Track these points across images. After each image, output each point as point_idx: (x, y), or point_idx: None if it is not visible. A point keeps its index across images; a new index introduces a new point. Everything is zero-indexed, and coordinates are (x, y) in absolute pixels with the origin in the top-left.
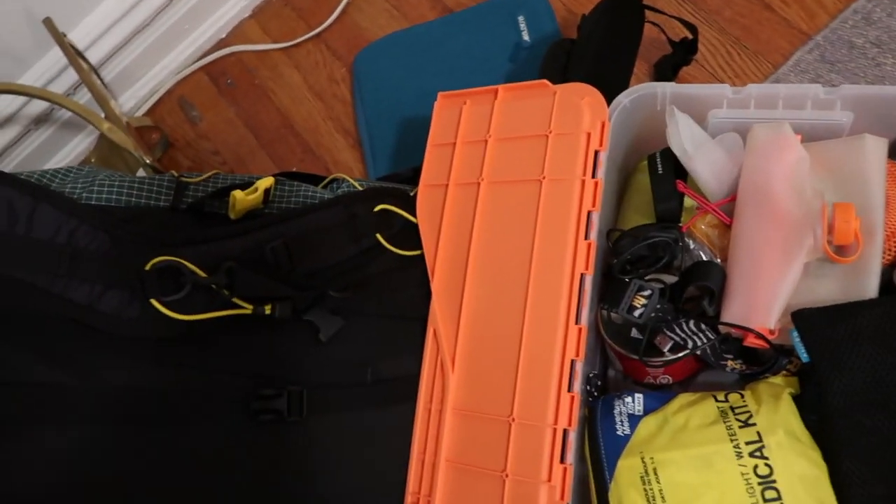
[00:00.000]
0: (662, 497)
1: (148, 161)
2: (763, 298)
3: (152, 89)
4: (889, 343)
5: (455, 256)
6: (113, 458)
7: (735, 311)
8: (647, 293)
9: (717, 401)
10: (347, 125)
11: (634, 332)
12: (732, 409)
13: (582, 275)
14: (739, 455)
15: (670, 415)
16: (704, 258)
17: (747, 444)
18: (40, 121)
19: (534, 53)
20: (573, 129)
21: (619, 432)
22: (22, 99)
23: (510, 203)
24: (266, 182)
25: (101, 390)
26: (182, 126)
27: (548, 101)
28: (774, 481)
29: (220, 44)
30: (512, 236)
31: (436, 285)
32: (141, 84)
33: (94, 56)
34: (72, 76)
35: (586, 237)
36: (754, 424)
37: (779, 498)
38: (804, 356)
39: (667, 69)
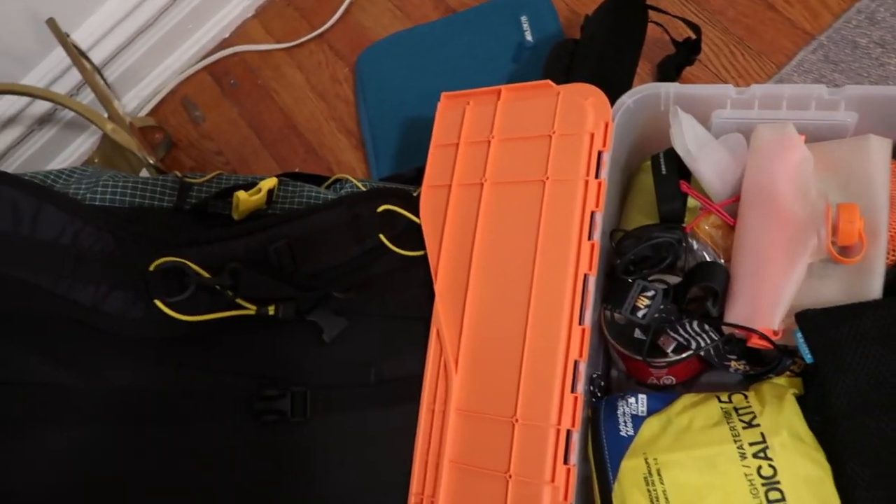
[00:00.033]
0: (666, 498)
1: (151, 161)
2: (767, 299)
3: (155, 89)
4: (893, 344)
5: (458, 257)
6: (116, 458)
7: (739, 312)
8: (650, 294)
9: (720, 402)
10: (350, 125)
11: (638, 333)
12: (736, 409)
13: (585, 275)
14: (743, 456)
15: (674, 416)
16: (708, 259)
17: (751, 444)
18: (43, 121)
19: (537, 53)
20: (577, 129)
21: (622, 433)
22: (25, 99)
23: (513, 203)
24: (269, 183)
25: (105, 391)
26: (185, 126)
27: (551, 101)
28: (778, 482)
29: (224, 44)
30: (515, 237)
31: (439, 286)
32: (144, 84)
33: (97, 56)
34: (75, 76)
35: (590, 238)
36: (758, 425)
37: (783, 499)
38: (808, 357)
39: (670, 69)
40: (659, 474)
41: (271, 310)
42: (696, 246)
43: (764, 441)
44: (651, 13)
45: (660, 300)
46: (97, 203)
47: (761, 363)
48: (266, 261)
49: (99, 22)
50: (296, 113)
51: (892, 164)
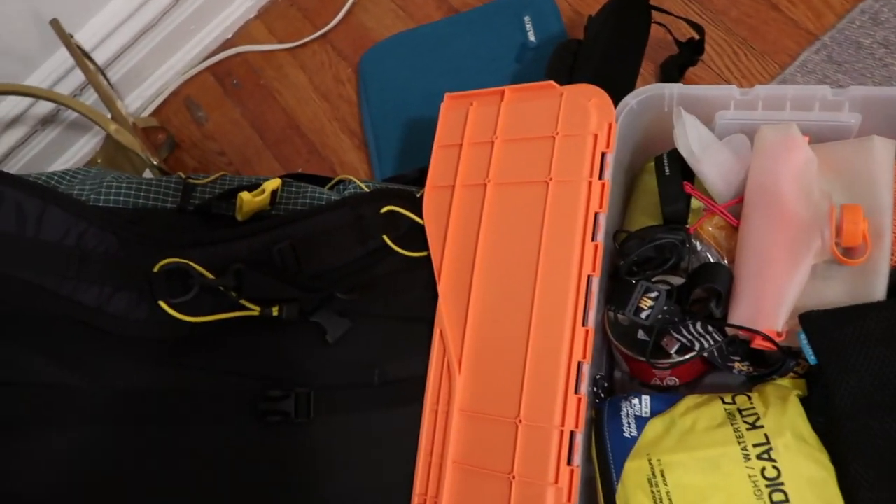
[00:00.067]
0: (670, 499)
1: (154, 162)
2: (770, 300)
3: (158, 90)
4: None
5: (462, 258)
6: (119, 458)
7: (742, 313)
8: (653, 295)
9: (724, 403)
10: (353, 126)
11: (641, 334)
12: (740, 411)
13: (589, 276)
14: (747, 457)
15: (677, 417)
16: (711, 260)
17: (755, 446)
18: (47, 121)
19: (540, 54)
20: (580, 130)
21: (626, 434)
22: (28, 100)
23: (517, 204)
24: (273, 184)
25: (108, 391)
26: (188, 126)
27: (554, 102)
28: (782, 484)
29: (226, 44)
30: (519, 238)
31: (442, 287)
32: (147, 84)
33: (100, 57)
34: (79, 77)
35: (593, 239)
36: (762, 427)
37: (786, 500)
38: (812, 358)
39: (673, 70)
40: (662, 475)
41: (275, 311)
42: (699, 247)
43: (768, 442)
44: (654, 14)
45: (663, 301)
46: (101, 204)
47: (765, 364)
48: (270, 262)
49: (102, 22)
50: (298, 113)
51: None
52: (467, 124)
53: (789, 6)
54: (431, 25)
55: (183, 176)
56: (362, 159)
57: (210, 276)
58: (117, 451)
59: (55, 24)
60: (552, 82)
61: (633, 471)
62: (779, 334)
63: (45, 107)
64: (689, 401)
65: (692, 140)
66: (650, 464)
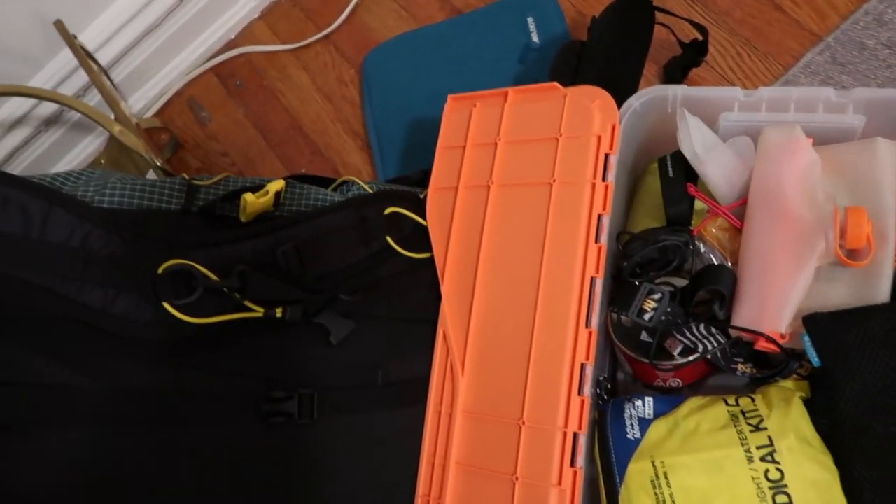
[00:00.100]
0: (673, 501)
1: (158, 163)
2: (774, 302)
3: (162, 90)
4: None
5: (465, 259)
6: (122, 459)
7: (746, 315)
8: (657, 296)
9: (727, 405)
10: (356, 127)
11: (644, 336)
12: (743, 413)
13: (592, 278)
14: (750, 459)
15: (681, 419)
16: (715, 262)
17: (758, 448)
18: (50, 122)
19: (543, 55)
20: (583, 131)
21: (629, 436)
22: (32, 101)
23: (520, 206)
24: (277, 185)
25: (111, 392)
26: (191, 127)
27: (558, 103)
28: (785, 486)
29: (230, 45)
30: (522, 239)
31: (446, 288)
32: (150, 85)
33: (104, 58)
34: (82, 77)
35: (596, 240)
36: (765, 429)
37: (790, 503)
38: (816, 361)
39: (676, 71)
40: (666, 477)
41: (279, 312)
42: (703, 249)
43: (771, 444)
44: (657, 14)
45: (666, 303)
46: (105, 205)
47: (768, 366)
48: (273, 263)
49: (106, 23)
50: (302, 114)
51: None
52: (470, 126)
53: (793, 7)
54: (434, 26)
55: (187, 177)
56: (365, 160)
57: (214, 277)
58: (119, 451)
59: (59, 25)
60: (555, 84)
61: (637, 472)
62: (782, 336)
63: (48, 108)
64: (693, 402)
65: (696, 142)
66: (653, 465)
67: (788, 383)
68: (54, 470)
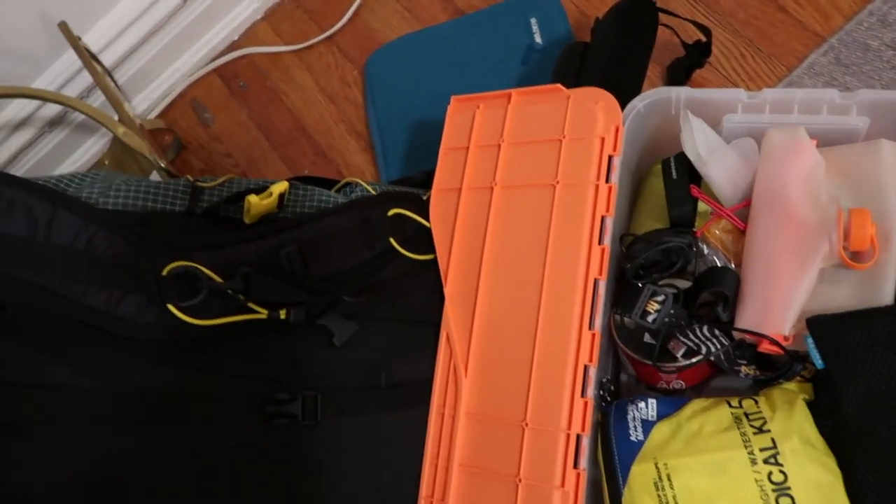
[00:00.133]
0: (676, 503)
1: (162, 165)
2: (778, 304)
3: (165, 91)
4: None
5: (468, 261)
6: (125, 459)
7: (749, 317)
8: (660, 298)
9: (730, 407)
10: (359, 128)
11: (647, 338)
12: (746, 415)
13: (595, 280)
14: (754, 462)
15: (684, 420)
16: (718, 263)
17: (762, 450)
18: (54, 123)
19: (546, 56)
20: (587, 133)
21: (632, 438)
22: (36, 102)
23: (524, 208)
24: (280, 187)
25: (115, 393)
26: (194, 128)
27: (561, 105)
28: (789, 488)
29: (233, 46)
30: (525, 241)
31: (449, 290)
32: (154, 86)
33: (108, 59)
34: (86, 79)
35: (600, 242)
36: (769, 431)
37: None
38: (819, 363)
39: (680, 72)
40: (669, 479)
41: (282, 314)
42: (706, 250)
43: (774, 447)
44: (661, 16)
45: (670, 305)
46: (110, 207)
47: (772, 368)
48: (277, 265)
49: (109, 25)
50: (305, 115)
51: None
52: (474, 127)
53: (797, 8)
54: (437, 27)
55: (191, 179)
56: (368, 161)
57: (218, 279)
58: (121, 452)
59: (63, 26)
60: (559, 85)
61: (640, 474)
62: (786, 338)
63: (52, 109)
64: (696, 404)
65: (699, 143)
66: (657, 467)
67: (792, 385)
68: (55, 470)
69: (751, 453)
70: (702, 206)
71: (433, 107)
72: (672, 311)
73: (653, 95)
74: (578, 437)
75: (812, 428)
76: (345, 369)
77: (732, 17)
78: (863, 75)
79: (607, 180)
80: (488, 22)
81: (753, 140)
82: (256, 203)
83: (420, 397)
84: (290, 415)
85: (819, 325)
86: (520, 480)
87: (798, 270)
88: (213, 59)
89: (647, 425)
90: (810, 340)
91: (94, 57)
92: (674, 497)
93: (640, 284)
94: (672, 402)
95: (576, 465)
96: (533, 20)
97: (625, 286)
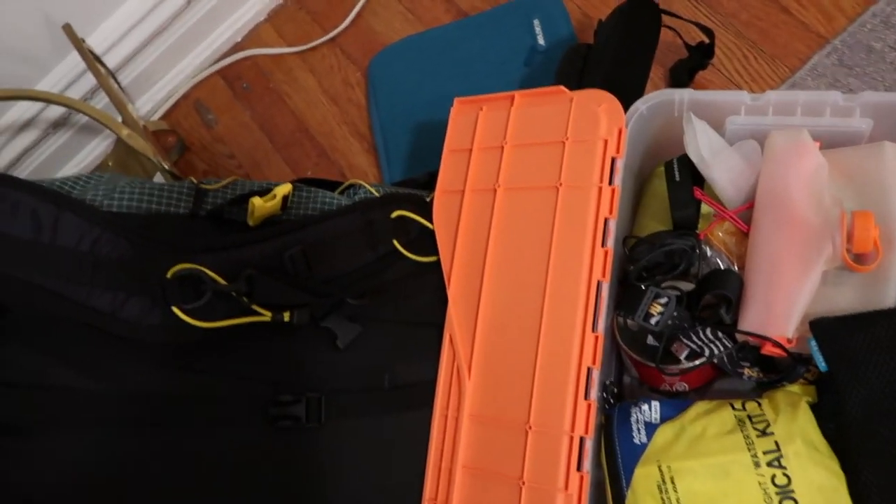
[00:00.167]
0: None
1: (166, 166)
2: (781, 307)
3: (169, 93)
4: None
5: (471, 263)
6: (128, 461)
7: (752, 320)
8: (663, 300)
9: (734, 409)
10: (362, 129)
11: (651, 340)
12: (750, 417)
13: (599, 282)
14: (757, 465)
15: (687, 423)
16: (721, 266)
17: (765, 453)
18: (58, 125)
19: (549, 57)
20: (590, 135)
21: (635, 440)
22: (40, 104)
23: (527, 210)
24: (284, 189)
25: (119, 395)
26: (198, 129)
27: (564, 107)
28: (792, 491)
29: (236, 47)
30: (528, 243)
31: (452, 291)
32: (157, 88)
33: (111, 60)
34: (90, 80)
35: (603, 244)
36: (772, 434)
37: None
38: (822, 365)
39: (683, 73)
40: (672, 482)
41: (286, 316)
42: (709, 253)
43: (778, 449)
44: (664, 17)
45: (673, 307)
46: (114, 209)
47: (775, 371)
48: (281, 267)
49: (113, 27)
50: (308, 117)
51: None
52: (477, 129)
53: (800, 9)
54: (440, 29)
55: (195, 181)
56: (371, 162)
57: (222, 281)
58: (124, 453)
59: (67, 28)
60: (562, 87)
61: (643, 477)
62: (789, 341)
63: (56, 110)
64: (699, 407)
65: (702, 145)
66: (660, 470)
67: (795, 388)
68: (57, 471)
69: (754, 456)
70: (705, 209)
71: (436, 108)
72: (675, 314)
73: (656, 98)
74: (582, 440)
75: (815, 431)
76: (348, 371)
77: (735, 18)
78: (866, 77)
79: (610, 182)
80: (491, 23)
81: (756, 142)
82: (260, 205)
83: (423, 399)
84: (294, 417)
85: (822, 327)
86: (523, 483)
87: (801, 273)
88: (217, 61)
89: (651, 428)
90: (813, 343)
91: (97, 59)
92: (677, 500)
93: (643, 287)
94: (675, 405)
95: (579, 468)
96: (536, 21)
97: (628, 288)
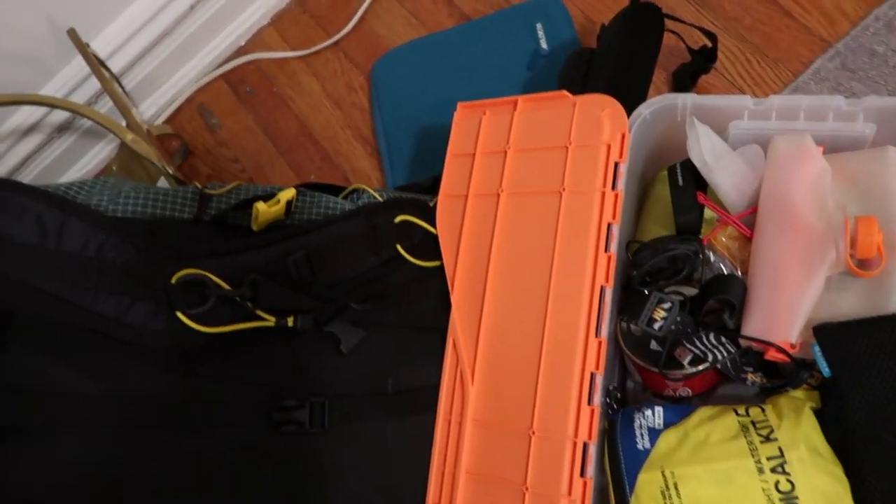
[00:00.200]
0: None
1: (170, 171)
2: (784, 312)
3: (172, 97)
4: None
5: (475, 267)
6: (129, 464)
7: (756, 325)
8: (666, 306)
9: (737, 415)
10: (365, 133)
11: (654, 345)
12: (753, 423)
13: (602, 287)
14: (761, 470)
15: (691, 429)
16: (725, 271)
17: (769, 459)
18: (62, 129)
19: (551, 61)
20: (593, 140)
21: (639, 446)
22: (44, 108)
23: (530, 215)
24: (288, 194)
25: (122, 397)
26: (201, 133)
27: (567, 112)
28: (796, 497)
29: (240, 51)
30: (532, 248)
31: (455, 296)
32: (161, 92)
33: (115, 65)
34: (94, 85)
35: (606, 249)
36: (776, 439)
37: None
38: (826, 371)
39: (685, 77)
40: (676, 488)
41: (290, 321)
42: (712, 258)
43: (781, 455)
44: (666, 21)
45: (676, 312)
46: (119, 214)
47: (778, 376)
48: (285, 272)
49: (117, 31)
50: (311, 120)
51: None
52: (480, 134)
53: (803, 13)
54: (443, 33)
55: (199, 186)
56: (374, 166)
57: (226, 286)
58: (128, 455)
59: (72, 33)
60: (565, 92)
61: (647, 483)
62: (792, 346)
63: (60, 115)
64: (703, 412)
65: (705, 150)
66: (664, 476)
67: (799, 393)
68: (60, 472)
69: (758, 462)
70: (708, 213)
71: (439, 112)
72: (678, 319)
73: (659, 102)
74: (585, 445)
75: (819, 436)
76: (352, 376)
77: (738, 22)
78: (869, 80)
79: (613, 187)
80: (494, 27)
81: (759, 147)
82: (264, 210)
83: (427, 404)
84: (298, 422)
85: (826, 332)
86: (526, 488)
87: (805, 278)
88: (220, 65)
89: (654, 433)
90: (817, 348)
91: (102, 63)
92: None
93: (646, 292)
94: (679, 410)
95: (582, 474)
96: (539, 26)
97: (631, 293)
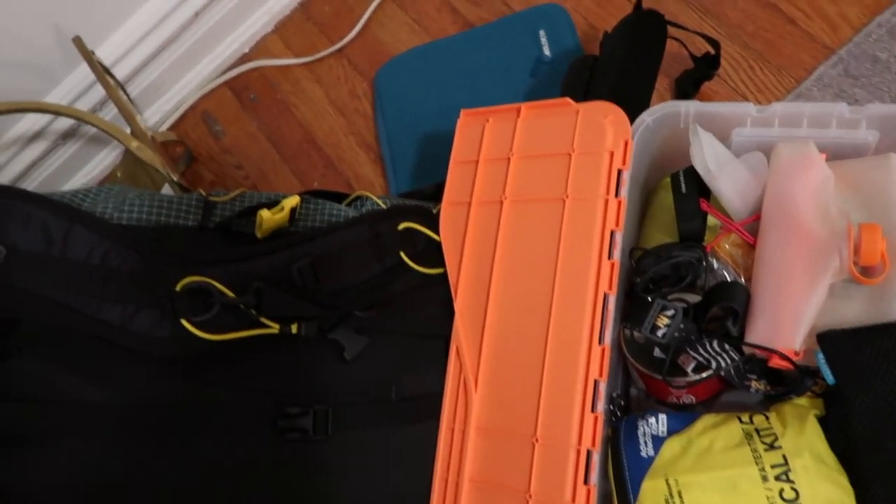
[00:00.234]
0: None
1: (175, 178)
2: (788, 319)
3: (177, 104)
4: None
5: (478, 275)
6: (133, 471)
7: (759, 332)
8: (670, 313)
9: (741, 422)
10: (369, 140)
11: (657, 352)
12: (757, 431)
13: (605, 294)
14: (765, 479)
15: (694, 436)
16: (728, 278)
17: (773, 467)
18: (67, 136)
19: (555, 68)
20: (596, 147)
21: (642, 454)
22: (49, 115)
23: (533, 222)
24: (292, 201)
25: (125, 404)
26: (205, 140)
27: (570, 119)
28: None
29: (244, 58)
30: (535, 255)
31: (459, 304)
32: (165, 99)
33: (120, 72)
34: (99, 92)
35: (609, 256)
36: (780, 447)
37: None
38: (830, 378)
39: (688, 84)
40: (680, 496)
41: (294, 328)
42: (716, 265)
43: (786, 463)
44: (669, 28)
45: (679, 319)
46: (124, 222)
47: (782, 383)
48: (289, 279)
49: (122, 39)
50: (315, 127)
51: None
52: (483, 141)
53: (805, 20)
54: (446, 40)
55: (203, 193)
56: (378, 173)
57: (230, 294)
58: (131, 461)
59: (77, 41)
60: (568, 99)
61: (651, 491)
62: (796, 353)
63: (65, 122)
64: (707, 420)
65: (708, 157)
66: (667, 484)
67: (803, 401)
68: (66, 480)
69: (762, 470)
70: (711, 220)
71: (442, 119)
72: (682, 326)
73: (661, 109)
74: (589, 453)
75: (823, 444)
76: (355, 383)
77: (741, 29)
78: (871, 87)
79: (616, 194)
80: (497, 34)
81: (762, 154)
82: (268, 218)
83: (430, 411)
84: (302, 429)
85: (830, 340)
86: (530, 496)
87: (808, 285)
88: (224, 72)
89: (658, 441)
90: (821, 356)
91: (107, 71)
92: None
93: (649, 299)
94: (682, 418)
95: (586, 481)
96: (542, 33)
97: (634, 300)
